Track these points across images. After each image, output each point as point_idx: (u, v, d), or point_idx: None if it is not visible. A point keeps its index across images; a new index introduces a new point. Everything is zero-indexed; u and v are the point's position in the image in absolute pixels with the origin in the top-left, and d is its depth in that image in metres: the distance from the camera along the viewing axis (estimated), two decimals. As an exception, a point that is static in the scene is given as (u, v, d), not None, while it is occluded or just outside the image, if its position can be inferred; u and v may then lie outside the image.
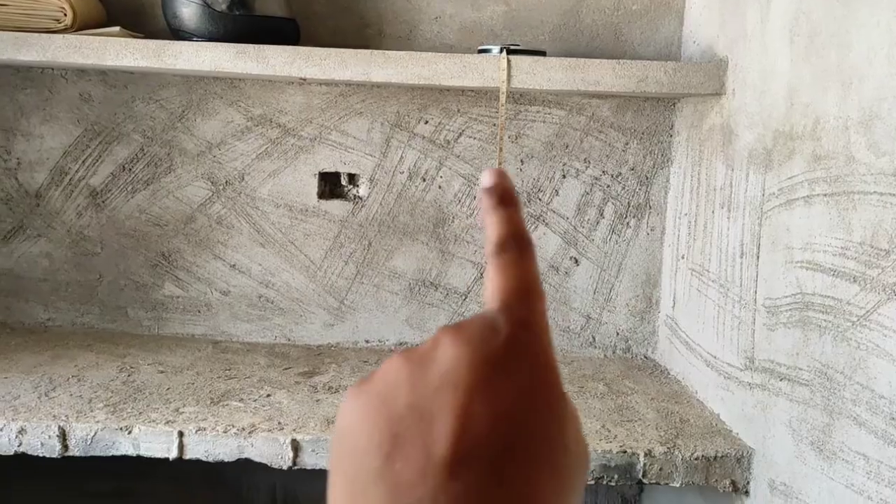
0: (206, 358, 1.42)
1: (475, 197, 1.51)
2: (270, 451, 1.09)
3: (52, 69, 1.49)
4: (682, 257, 1.40)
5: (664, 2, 1.48)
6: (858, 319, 0.84)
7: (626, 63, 1.26)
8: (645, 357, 1.54)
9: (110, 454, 1.09)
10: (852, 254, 0.86)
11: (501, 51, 1.29)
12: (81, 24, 1.32)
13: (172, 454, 1.09)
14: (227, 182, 1.51)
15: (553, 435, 0.34)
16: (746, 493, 1.08)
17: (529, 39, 1.49)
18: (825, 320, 0.91)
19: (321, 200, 1.52)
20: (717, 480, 1.08)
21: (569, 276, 1.53)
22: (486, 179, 0.42)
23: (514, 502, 0.32)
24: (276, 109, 1.50)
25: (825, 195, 0.93)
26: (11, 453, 1.09)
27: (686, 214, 1.40)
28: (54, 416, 1.11)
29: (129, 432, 1.09)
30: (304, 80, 1.39)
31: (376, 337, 1.55)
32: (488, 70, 1.28)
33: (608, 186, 1.51)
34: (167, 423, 1.11)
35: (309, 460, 1.09)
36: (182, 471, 1.36)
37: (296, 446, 1.08)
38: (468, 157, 1.50)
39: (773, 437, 1.02)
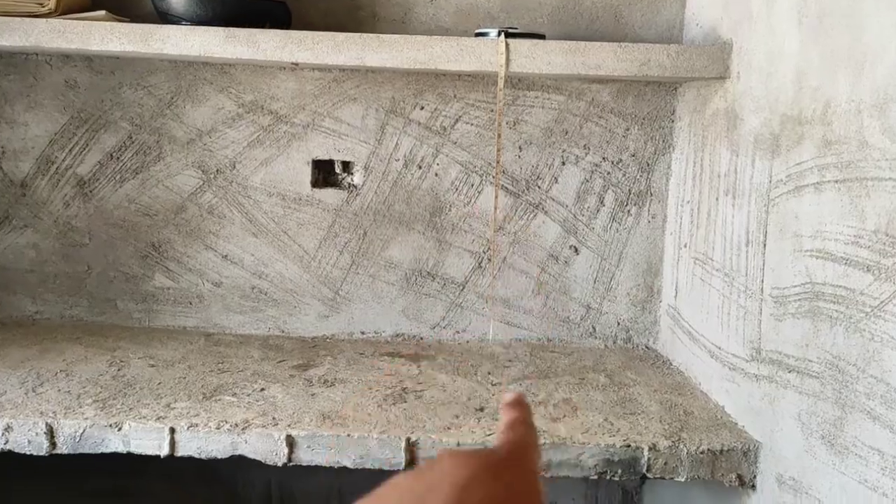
0: (197, 351, 1.39)
1: (472, 185, 1.48)
2: (264, 447, 1.06)
3: (37, 55, 1.45)
4: (685, 246, 1.37)
5: (665, -17, 1.44)
6: (872, 310, 0.82)
7: (628, 46, 1.23)
8: (646, 347, 1.51)
9: (99, 452, 1.06)
10: (865, 242, 0.83)
11: (499, 34, 1.25)
12: (65, 9, 1.28)
13: (164, 451, 1.06)
14: (217, 170, 1.48)
15: None
16: (753, 487, 1.06)
17: (527, 22, 1.45)
18: (837, 311, 0.88)
19: (315, 189, 1.48)
20: (722, 474, 1.06)
21: (568, 265, 1.50)
22: (509, 399, 0.51)
23: None
24: (268, 96, 1.46)
25: (836, 181, 0.89)
26: (-3, 452, 1.06)
27: (688, 202, 1.36)
28: (41, 413, 1.07)
29: (119, 429, 1.06)
30: (297, 65, 1.36)
31: (372, 328, 1.52)
32: (486, 54, 1.24)
33: (608, 173, 1.47)
34: (158, 419, 1.08)
35: (304, 456, 1.06)
36: (175, 468, 1.34)
37: (290, 442, 1.05)
38: (465, 143, 1.47)
39: (782, 430, 0.99)
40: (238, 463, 1.06)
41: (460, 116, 1.46)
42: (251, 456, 1.05)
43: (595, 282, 1.50)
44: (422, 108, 1.46)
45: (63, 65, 1.45)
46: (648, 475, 1.05)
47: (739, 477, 1.05)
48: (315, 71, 1.45)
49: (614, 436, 1.07)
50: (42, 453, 1.06)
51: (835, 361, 0.88)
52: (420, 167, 1.48)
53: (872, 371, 0.81)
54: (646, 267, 1.49)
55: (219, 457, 1.06)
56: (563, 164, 1.47)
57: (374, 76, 1.46)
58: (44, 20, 1.23)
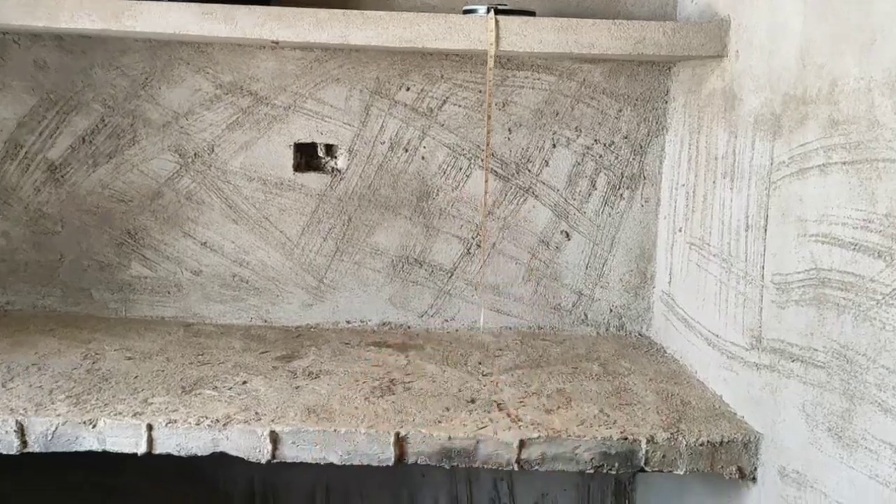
0: (176, 342, 1.34)
1: (460, 168, 1.43)
2: (247, 443, 1.01)
3: (4, 34, 1.38)
4: (680, 230, 1.34)
5: (659, -41, 1.40)
6: (884, 297, 0.78)
7: (623, 24, 1.18)
8: (639, 335, 1.47)
9: (73, 450, 1.01)
10: (876, 227, 0.80)
11: (488, 10, 1.20)
12: (31, -17, 1.21)
13: (141, 449, 1.01)
14: (195, 154, 1.42)
15: None
16: (753, 479, 1.03)
17: (517, -1, 1.40)
18: (844, 298, 0.84)
19: (297, 173, 1.43)
20: (722, 467, 1.02)
21: (560, 250, 1.46)
22: None
23: None
24: (247, 76, 1.40)
25: (844, 163, 0.86)
26: (-36, 451, 1.01)
27: (683, 185, 1.33)
28: (11, 410, 1.02)
29: (94, 426, 1.01)
30: (277, 43, 1.30)
31: (358, 317, 1.48)
32: (475, 31, 1.19)
33: (600, 156, 1.43)
34: (135, 415, 1.03)
35: (289, 453, 1.01)
36: (153, 466, 1.29)
37: (275, 438, 1.01)
38: (453, 125, 1.42)
39: (784, 421, 0.96)
40: (219, 459, 1.02)
41: (447, 97, 1.41)
42: (233, 453, 1.01)
43: (587, 268, 1.46)
44: (408, 88, 1.41)
45: (32, 44, 1.39)
46: (646, 469, 1.01)
47: (740, 469, 1.02)
48: (296, 50, 1.40)
49: (610, 428, 1.04)
50: (12, 452, 1.01)
51: (842, 351, 0.84)
52: (406, 150, 1.43)
53: (884, 361, 0.77)
54: (639, 252, 1.46)
55: (199, 454, 1.01)
56: (554, 146, 1.43)
57: (358, 55, 1.40)
58: (8, -4, 1.17)
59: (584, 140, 1.43)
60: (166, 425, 1.01)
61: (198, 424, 1.01)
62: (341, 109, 1.41)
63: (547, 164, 1.43)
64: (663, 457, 1.02)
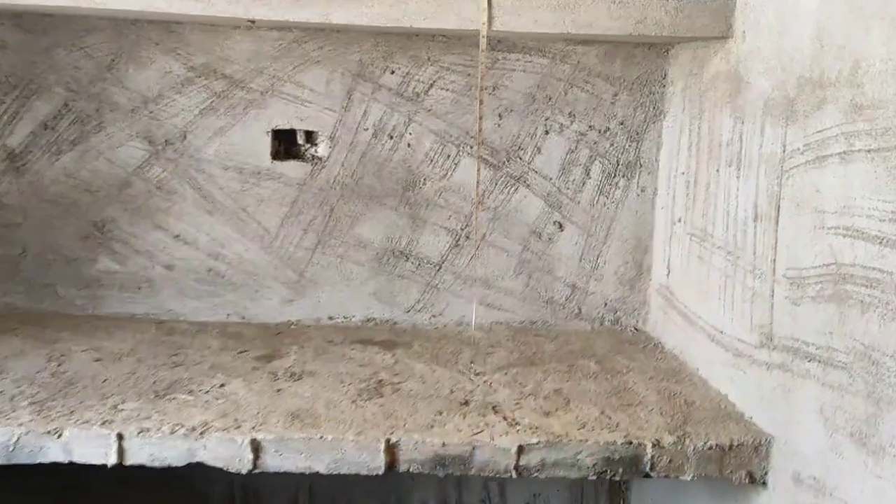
0: (148, 341, 1.26)
1: (448, 156, 1.36)
2: (227, 453, 0.94)
3: (-44, 11, 1.29)
4: (679, 221, 1.28)
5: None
6: (916, 296, 0.73)
7: (623, 2, 1.12)
8: (635, 329, 1.42)
9: (37, 462, 0.94)
10: (906, 219, 0.74)
11: (481, -12, 1.13)
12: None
13: (111, 460, 0.94)
14: (166, 141, 1.34)
15: None
16: (764, 484, 0.97)
17: (508, -22, 1.33)
18: (869, 295, 0.79)
19: (275, 161, 1.36)
20: (731, 472, 0.97)
21: (553, 242, 1.40)
22: None
23: None
24: (221, 58, 1.33)
25: (869, 151, 0.80)
26: (-84, 465, 0.93)
27: (683, 173, 1.27)
28: (-32, 420, 0.94)
29: (59, 436, 0.94)
30: (253, 22, 1.22)
31: (341, 313, 1.41)
32: (466, 10, 1.12)
33: (595, 143, 1.37)
34: (104, 423, 0.96)
35: (272, 462, 0.95)
36: (126, 468, 1.22)
37: (256, 447, 0.94)
38: (440, 111, 1.35)
39: (799, 424, 0.91)
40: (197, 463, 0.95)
41: (435, 81, 1.35)
42: (211, 463, 0.94)
43: (581, 260, 1.40)
44: (392, 72, 1.34)
45: (-13, 23, 1.30)
46: (652, 474, 0.96)
47: (750, 474, 0.97)
48: (273, 30, 1.32)
49: (613, 431, 0.98)
50: (-30, 466, 0.93)
51: (866, 352, 0.79)
52: (391, 137, 1.36)
53: (916, 364, 0.72)
54: (635, 243, 1.40)
55: (174, 465, 0.95)
56: (547, 133, 1.36)
57: (340, 36, 1.33)
58: (-40, -31, 1.08)
59: (577, 126, 1.36)
60: (138, 434, 0.94)
61: (172, 433, 0.94)
62: (322, 94, 1.34)
63: (539, 151, 1.37)
64: (670, 462, 0.96)
